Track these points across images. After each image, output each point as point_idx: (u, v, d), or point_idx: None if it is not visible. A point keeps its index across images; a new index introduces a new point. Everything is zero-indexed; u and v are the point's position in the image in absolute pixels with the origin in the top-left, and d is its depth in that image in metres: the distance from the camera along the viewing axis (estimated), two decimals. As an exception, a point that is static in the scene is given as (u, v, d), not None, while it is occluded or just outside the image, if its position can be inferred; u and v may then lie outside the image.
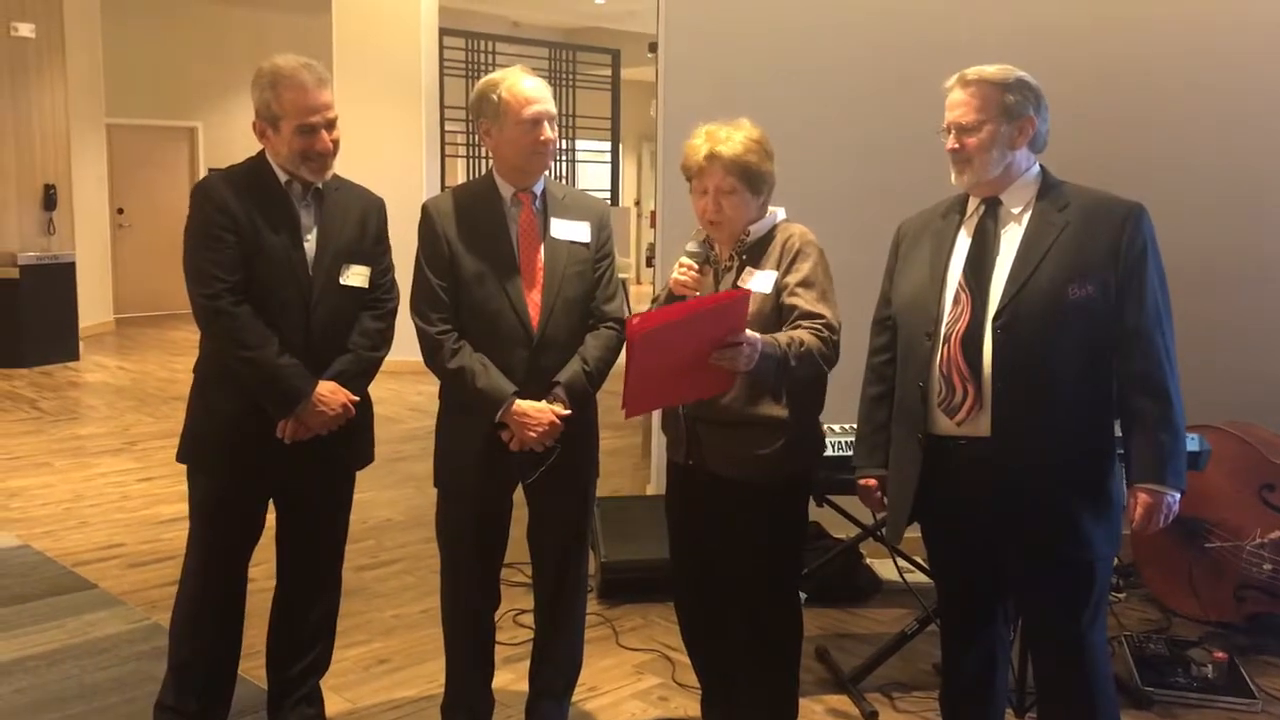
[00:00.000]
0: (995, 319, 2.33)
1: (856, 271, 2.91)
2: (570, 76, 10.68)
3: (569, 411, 2.71)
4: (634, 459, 6.18)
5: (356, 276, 2.79)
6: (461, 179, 9.34)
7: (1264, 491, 3.76)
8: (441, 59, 9.33)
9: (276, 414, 2.68)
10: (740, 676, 2.76)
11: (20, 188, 9.22)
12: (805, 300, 2.51)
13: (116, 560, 4.52)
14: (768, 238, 2.64)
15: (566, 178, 10.76)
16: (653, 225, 5.84)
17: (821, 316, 2.50)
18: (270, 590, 2.99)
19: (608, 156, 11.49)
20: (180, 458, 2.81)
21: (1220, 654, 3.43)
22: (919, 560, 3.30)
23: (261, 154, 2.76)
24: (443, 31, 9.30)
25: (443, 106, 9.31)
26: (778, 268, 2.58)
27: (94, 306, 10.50)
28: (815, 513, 3.03)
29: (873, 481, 2.64)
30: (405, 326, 2.82)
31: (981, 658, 2.58)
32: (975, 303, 2.36)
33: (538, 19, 13.89)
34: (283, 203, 2.72)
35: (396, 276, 2.93)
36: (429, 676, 3.42)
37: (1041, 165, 2.46)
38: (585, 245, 2.81)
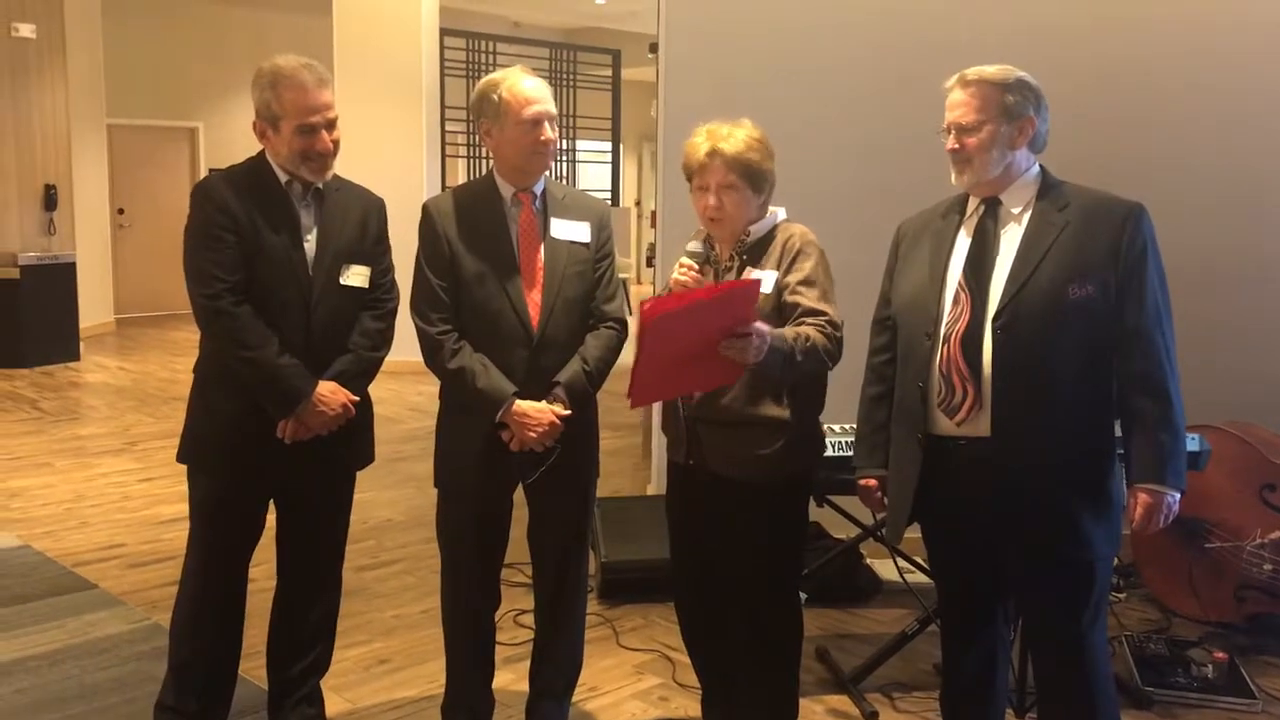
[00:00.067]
0: (995, 319, 2.33)
1: (856, 271, 2.91)
2: (571, 77, 10.68)
3: (569, 412, 2.71)
4: (634, 459, 6.18)
5: (357, 277, 2.79)
6: (462, 179, 9.33)
7: (1264, 491, 3.76)
8: (442, 59, 9.34)
9: (277, 414, 2.68)
10: (740, 676, 2.76)
11: (21, 188, 9.23)
12: (808, 298, 2.51)
13: (117, 560, 4.52)
14: (768, 238, 2.64)
15: (567, 178, 10.76)
16: (653, 225, 5.84)
17: (825, 314, 2.50)
18: (271, 590, 2.99)
19: (608, 157, 11.49)
20: (180, 458, 2.81)
21: (1220, 654, 3.43)
22: (919, 560, 3.30)
23: (262, 154, 2.76)
24: (443, 32, 9.31)
25: (443, 107, 9.31)
26: (778, 267, 2.58)
27: (94, 307, 10.50)
28: (815, 513, 3.03)
29: (873, 482, 2.64)
30: (405, 327, 2.82)
31: (982, 658, 2.58)
32: (975, 303, 2.36)
33: (538, 19, 13.89)
34: (283, 203, 2.72)
35: (397, 277, 2.93)
36: (429, 677, 3.42)
37: (1041, 165, 2.46)
38: (585, 245, 2.81)
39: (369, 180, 2.98)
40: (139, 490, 5.56)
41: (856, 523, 3.70)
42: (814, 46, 4.39)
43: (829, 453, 3.06)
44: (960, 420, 2.37)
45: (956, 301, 2.39)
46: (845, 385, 2.77)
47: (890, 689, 3.41)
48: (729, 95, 4.12)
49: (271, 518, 2.90)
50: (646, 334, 2.26)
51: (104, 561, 4.50)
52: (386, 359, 2.90)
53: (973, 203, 2.47)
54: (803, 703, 2.93)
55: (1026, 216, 2.39)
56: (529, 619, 3.38)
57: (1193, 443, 3.34)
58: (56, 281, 9.20)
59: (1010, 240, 2.39)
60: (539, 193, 2.80)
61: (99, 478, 5.80)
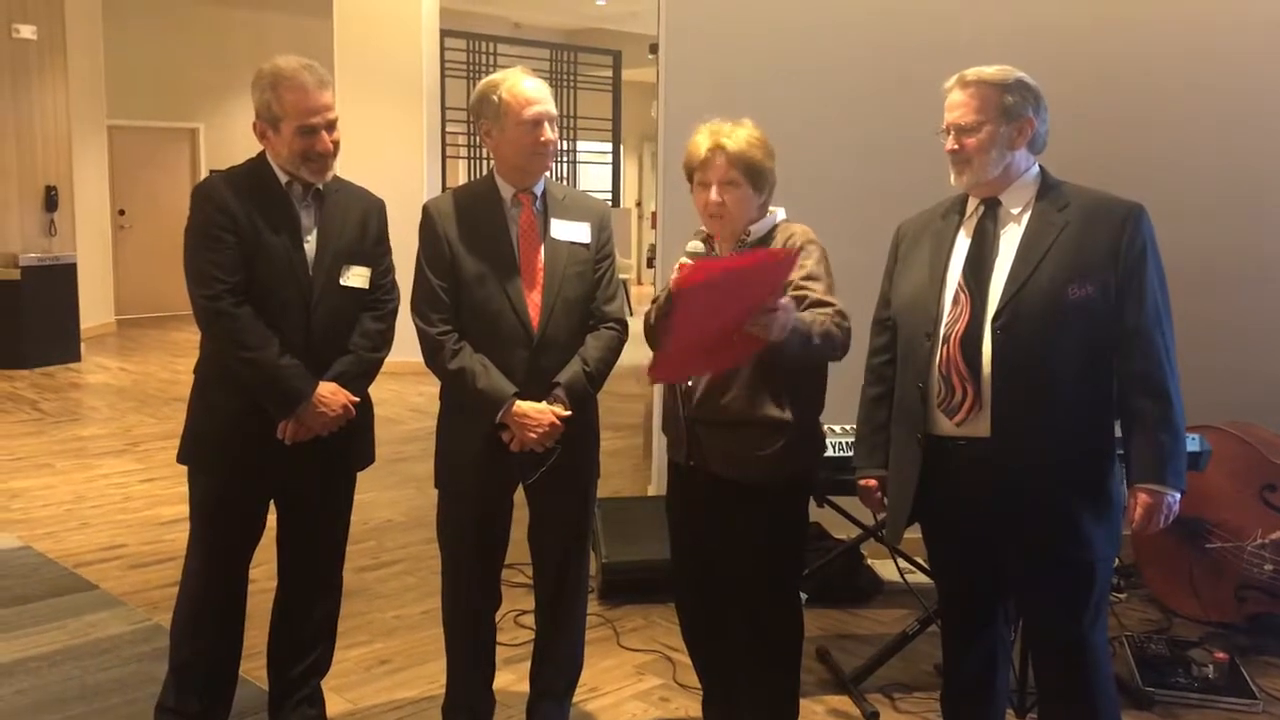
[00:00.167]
0: (995, 319, 2.33)
1: (857, 272, 2.91)
2: (571, 78, 10.69)
3: (569, 412, 2.71)
4: (635, 459, 6.18)
5: (357, 277, 2.79)
6: (462, 180, 9.34)
7: (1265, 492, 3.76)
8: (442, 60, 9.34)
9: (277, 415, 2.68)
10: (741, 677, 2.76)
11: (22, 189, 9.23)
12: (815, 291, 2.50)
13: (118, 561, 4.52)
14: (768, 238, 2.63)
15: (568, 179, 10.77)
16: (654, 226, 5.84)
17: (833, 305, 2.49)
18: (271, 591, 2.99)
19: (609, 158, 11.50)
20: (181, 458, 2.81)
21: (1221, 654, 3.43)
22: (920, 561, 3.30)
23: (262, 155, 2.76)
24: (444, 33, 9.31)
25: (444, 107, 9.32)
26: None
27: (95, 308, 10.51)
28: (816, 513, 3.03)
29: (873, 482, 2.64)
30: (406, 327, 2.83)
31: (982, 658, 2.59)
32: (975, 303, 2.36)
33: (539, 20, 13.89)
34: (283, 204, 2.73)
35: (397, 277, 2.93)
36: (430, 677, 3.42)
37: (1041, 166, 2.46)
38: (585, 246, 2.82)
39: (369, 181, 2.98)
40: (140, 491, 5.56)
41: (857, 523, 3.70)
42: (814, 47, 4.39)
43: (829, 453, 3.06)
44: (960, 420, 2.37)
45: (956, 302, 2.39)
46: (845, 386, 2.77)
47: (891, 689, 3.41)
48: (729, 95, 4.12)
49: (272, 519, 2.90)
50: (681, 299, 2.21)
51: (105, 562, 4.50)
52: (387, 360, 2.90)
53: (972, 203, 2.47)
54: (803, 703, 2.93)
55: (1026, 217, 2.39)
56: (529, 619, 3.38)
57: (1193, 443, 3.34)
58: (57, 282, 9.21)
59: (1010, 241, 2.39)
60: (539, 193, 2.80)
61: (100, 478, 5.80)
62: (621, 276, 3.57)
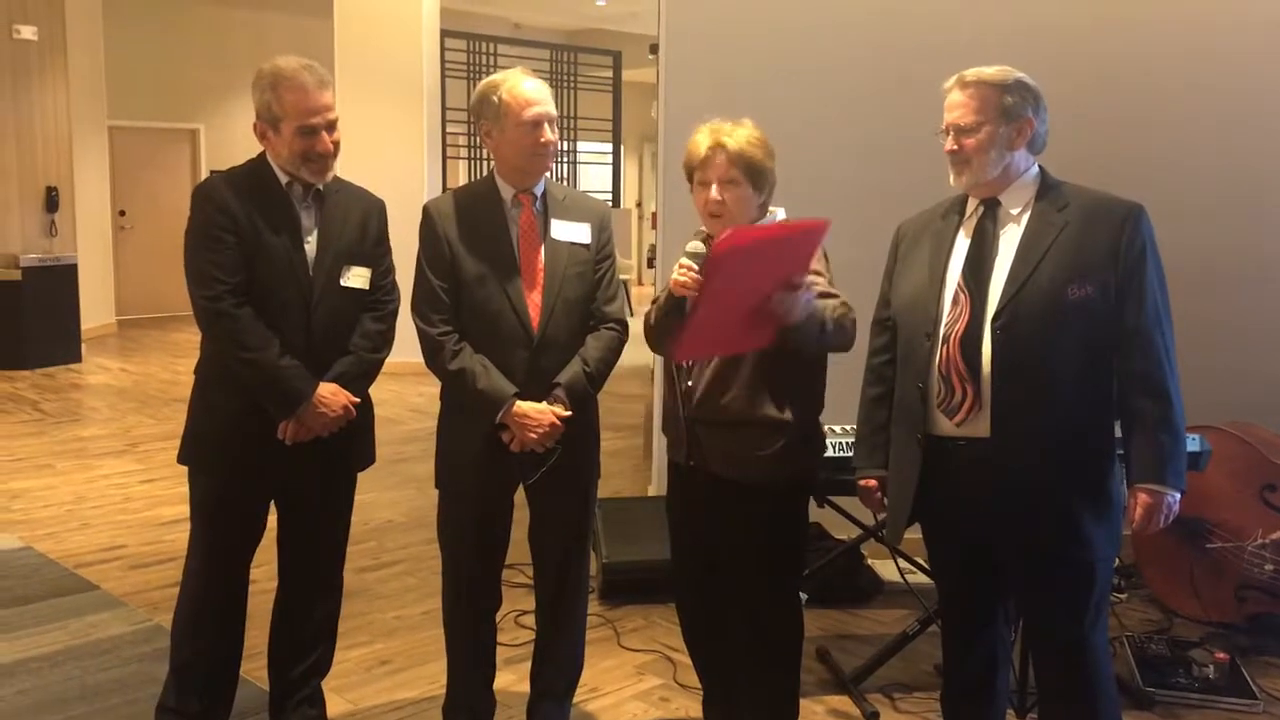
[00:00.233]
0: (994, 319, 2.33)
1: (857, 272, 2.91)
2: (571, 78, 10.69)
3: (569, 412, 2.71)
4: (635, 460, 6.19)
5: (357, 278, 2.79)
6: (463, 180, 9.36)
7: (1265, 492, 3.76)
8: (443, 60, 9.35)
9: (277, 415, 2.68)
10: (741, 677, 2.76)
11: (22, 190, 9.24)
12: (821, 284, 2.50)
13: (118, 562, 4.52)
14: (768, 238, 2.63)
15: (568, 179, 10.77)
16: (654, 227, 5.84)
17: (839, 296, 2.49)
18: (272, 592, 2.99)
19: (609, 158, 11.50)
20: (181, 459, 2.81)
21: (1222, 654, 3.43)
22: (920, 561, 3.30)
23: (262, 155, 2.76)
24: (444, 33, 9.32)
25: (444, 108, 9.33)
26: None
27: (96, 308, 10.51)
28: (816, 513, 3.03)
29: (873, 482, 2.64)
30: (406, 328, 2.83)
31: (983, 658, 2.58)
32: (974, 303, 2.36)
33: (539, 21, 13.90)
34: (283, 204, 2.73)
35: (398, 278, 2.93)
36: (430, 677, 3.42)
37: (1040, 166, 2.46)
38: (585, 246, 2.82)
39: (370, 182, 2.98)
40: (140, 492, 5.56)
41: (857, 523, 3.70)
42: (814, 47, 4.40)
43: (829, 453, 3.06)
44: (960, 421, 2.37)
45: (956, 302, 2.39)
46: (845, 386, 2.77)
47: (891, 689, 3.41)
48: (729, 96, 4.12)
49: (273, 519, 2.91)
50: (719, 268, 2.19)
51: (105, 563, 4.50)
52: (388, 360, 2.90)
53: (972, 203, 2.47)
54: (803, 703, 2.94)
55: (1026, 217, 2.39)
56: (530, 620, 3.38)
57: (1193, 443, 3.34)
58: (58, 283, 9.21)
59: (1009, 241, 2.39)
60: (539, 194, 2.81)
61: (100, 479, 5.81)
62: (622, 277, 3.57)
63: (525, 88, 2.69)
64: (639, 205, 17.67)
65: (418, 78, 9.03)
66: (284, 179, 2.73)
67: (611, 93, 10.89)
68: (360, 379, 2.81)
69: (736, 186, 2.56)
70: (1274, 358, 4.49)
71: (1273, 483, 3.76)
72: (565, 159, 10.68)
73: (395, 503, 5.38)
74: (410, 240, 2.83)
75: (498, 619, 3.01)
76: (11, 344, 8.87)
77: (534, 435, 2.68)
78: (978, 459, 2.36)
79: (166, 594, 3.93)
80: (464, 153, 10.12)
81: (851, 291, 2.65)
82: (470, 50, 9.84)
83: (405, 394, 7.68)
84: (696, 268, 2.54)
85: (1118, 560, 3.35)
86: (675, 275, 2.59)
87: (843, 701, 3.35)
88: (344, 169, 2.84)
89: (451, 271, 2.73)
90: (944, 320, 2.40)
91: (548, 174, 2.85)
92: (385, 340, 2.88)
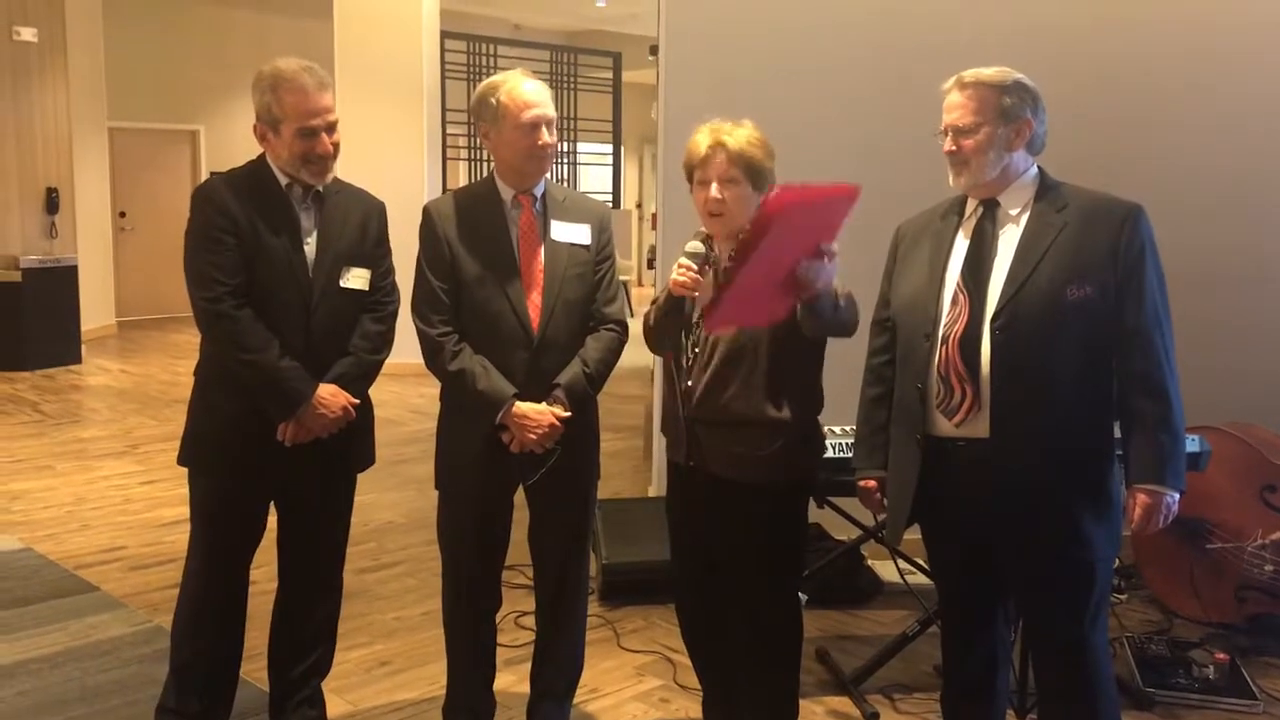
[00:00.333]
0: (993, 320, 2.33)
1: (856, 272, 2.89)
2: (571, 79, 10.69)
3: (569, 413, 2.71)
4: (635, 461, 6.19)
5: (357, 279, 2.80)
6: (463, 182, 9.34)
7: (1265, 492, 3.76)
8: (443, 62, 9.35)
9: (277, 417, 2.68)
10: (741, 678, 2.76)
11: (22, 191, 9.24)
12: None
13: (118, 563, 4.52)
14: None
15: (568, 180, 10.77)
16: (654, 228, 5.84)
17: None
18: (272, 593, 2.99)
19: (609, 159, 11.50)
20: (181, 460, 2.81)
21: (1222, 655, 3.43)
22: (920, 562, 3.30)
23: (262, 157, 2.77)
24: (444, 34, 9.32)
25: (444, 109, 9.33)
26: None
27: (96, 309, 10.52)
28: (816, 514, 3.03)
29: (872, 483, 2.64)
30: (407, 329, 2.83)
31: (982, 659, 2.58)
32: (973, 304, 2.36)
33: (539, 22, 13.90)
34: (283, 206, 2.73)
35: (398, 279, 2.93)
36: (430, 678, 3.43)
37: (1040, 167, 2.46)
38: (585, 247, 2.82)
39: (370, 183, 2.98)
40: (140, 493, 5.56)
41: (857, 524, 3.70)
42: (814, 48, 4.40)
43: (829, 454, 3.06)
44: (959, 421, 2.37)
45: (955, 303, 2.39)
46: (845, 386, 2.77)
47: (891, 690, 3.41)
48: (729, 97, 4.12)
49: (273, 520, 2.91)
50: (772, 226, 2.16)
51: (105, 564, 4.50)
52: (388, 361, 2.90)
53: (971, 204, 2.47)
54: (803, 704, 2.94)
55: (1025, 218, 2.39)
56: (530, 620, 3.38)
57: (1193, 443, 3.34)
58: (58, 284, 9.22)
59: (1009, 241, 2.39)
60: (539, 195, 2.81)
61: (100, 480, 5.81)
62: (622, 278, 3.57)
63: (524, 90, 2.69)
64: (639, 206, 17.67)
65: (418, 79, 9.03)
66: (284, 180, 2.74)
67: (611, 94, 10.89)
68: (360, 380, 2.81)
69: (736, 185, 2.56)
70: (1274, 358, 4.49)
71: (1273, 483, 3.76)
72: (565, 160, 10.67)
73: (395, 504, 5.38)
74: (410, 241, 2.83)
75: (498, 620, 3.01)
76: (12, 345, 8.88)
77: (533, 436, 2.68)
78: (977, 459, 2.36)
79: (166, 595, 3.93)
80: (464, 154, 10.12)
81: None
82: (470, 51, 9.84)
83: (406, 395, 7.68)
84: (696, 268, 2.54)
85: (1118, 560, 3.36)
86: (675, 275, 2.60)
87: (843, 702, 3.35)
88: (344, 170, 2.84)
89: (451, 272, 2.73)
90: (943, 321, 2.40)
91: (547, 175, 2.85)
92: (385, 341, 2.88)
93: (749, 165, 2.55)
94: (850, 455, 2.83)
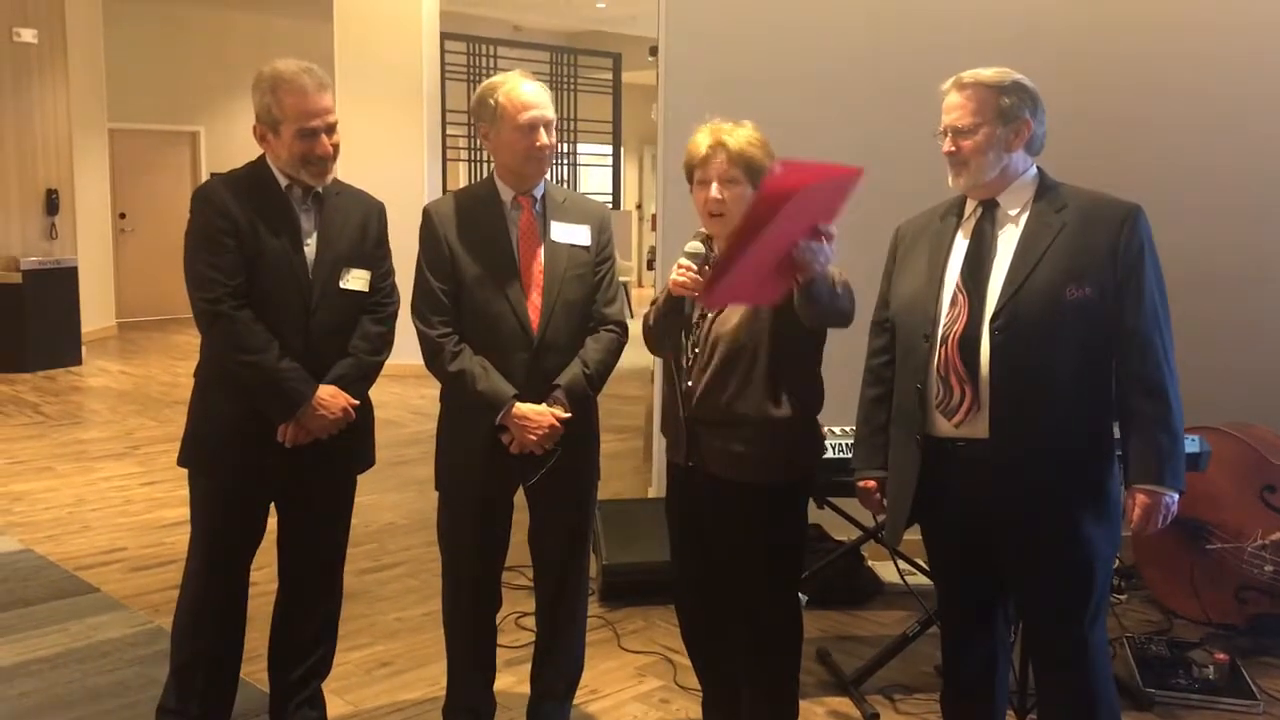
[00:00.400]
0: (993, 320, 2.33)
1: (856, 273, 2.89)
2: (571, 80, 10.69)
3: (569, 414, 2.71)
4: (635, 461, 6.19)
5: (357, 280, 2.80)
6: (463, 183, 9.34)
7: (1265, 493, 3.76)
8: (443, 63, 9.35)
9: (277, 418, 2.68)
10: (741, 678, 2.76)
11: (22, 192, 9.25)
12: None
13: (119, 564, 4.52)
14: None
15: (568, 182, 10.77)
16: (654, 229, 5.84)
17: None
18: (272, 594, 2.99)
19: (609, 160, 11.50)
20: (181, 461, 2.82)
21: (1221, 655, 3.43)
22: (919, 562, 3.30)
23: (262, 158, 2.77)
24: (444, 36, 9.32)
25: (444, 110, 9.33)
26: None
27: (96, 311, 10.52)
28: (816, 515, 3.03)
29: (872, 483, 2.64)
30: (407, 330, 2.83)
31: (982, 659, 2.59)
32: (973, 304, 2.36)
33: (539, 23, 13.90)
34: (283, 207, 2.73)
35: (398, 280, 2.93)
36: (431, 679, 3.43)
37: (1039, 167, 2.47)
38: (585, 249, 2.82)
39: (370, 184, 2.98)
40: (141, 494, 5.57)
41: (857, 524, 3.70)
42: (814, 48, 4.40)
43: (829, 455, 3.06)
44: (958, 422, 2.37)
45: (954, 303, 2.39)
46: (844, 387, 2.77)
47: (891, 690, 3.41)
48: (729, 97, 4.08)
49: (273, 521, 2.91)
50: (781, 207, 2.13)
51: (106, 565, 4.50)
52: (389, 362, 2.90)
53: (970, 205, 2.47)
54: (804, 704, 2.94)
55: (1024, 218, 2.39)
56: (530, 621, 3.38)
57: (1193, 444, 3.34)
58: (58, 286, 9.22)
59: (1008, 242, 2.39)
60: (539, 196, 2.81)
61: (101, 481, 5.81)
62: (622, 279, 3.57)
63: (522, 91, 2.69)
64: (639, 207, 17.67)
65: (418, 80, 9.03)
66: (283, 181, 2.74)
67: (611, 95, 10.89)
68: (360, 381, 2.81)
69: (736, 185, 2.56)
70: (1274, 358, 4.49)
71: (1272, 483, 3.76)
72: (565, 161, 10.67)
73: (396, 505, 5.38)
74: (410, 242, 2.83)
75: (498, 621, 3.01)
76: (12, 347, 8.88)
77: (533, 437, 2.68)
78: (977, 460, 2.36)
79: (167, 596, 3.93)
80: (464, 155, 10.12)
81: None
82: (470, 53, 9.84)
83: (406, 396, 7.68)
84: (696, 268, 2.54)
85: (1118, 561, 3.36)
86: (674, 275, 2.60)
87: (843, 703, 3.35)
88: (344, 172, 2.85)
89: (451, 273, 2.73)
90: (942, 321, 2.40)
91: (547, 176, 2.85)
92: (385, 342, 2.88)
93: (749, 165, 2.56)
94: (850, 456, 2.83)
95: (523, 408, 2.68)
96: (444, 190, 9.17)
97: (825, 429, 2.80)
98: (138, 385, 8.63)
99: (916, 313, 2.46)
